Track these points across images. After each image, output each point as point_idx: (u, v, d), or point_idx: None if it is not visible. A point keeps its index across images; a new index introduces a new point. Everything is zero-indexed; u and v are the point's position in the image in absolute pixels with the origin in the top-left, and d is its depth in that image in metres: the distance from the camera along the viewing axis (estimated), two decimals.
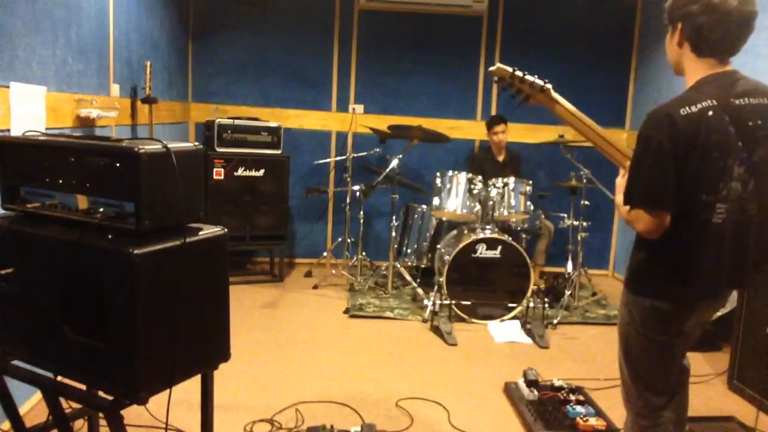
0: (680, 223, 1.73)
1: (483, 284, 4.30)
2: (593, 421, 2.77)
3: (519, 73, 2.00)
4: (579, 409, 2.86)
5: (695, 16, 1.72)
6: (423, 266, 4.96)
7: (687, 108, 1.68)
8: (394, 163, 4.68)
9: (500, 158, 5.15)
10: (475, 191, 4.49)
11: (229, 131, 4.83)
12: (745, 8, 1.69)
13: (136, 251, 1.53)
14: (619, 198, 1.86)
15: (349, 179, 5.09)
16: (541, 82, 2.01)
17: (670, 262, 1.80)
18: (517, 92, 2.04)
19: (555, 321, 4.28)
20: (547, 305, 4.30)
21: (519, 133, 5.40)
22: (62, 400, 1.86)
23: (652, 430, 1.94)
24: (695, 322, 1.92)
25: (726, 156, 1.70)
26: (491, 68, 2.03)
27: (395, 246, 4.86)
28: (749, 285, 1.91)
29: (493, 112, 5.43)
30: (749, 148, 1.73)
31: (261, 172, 4.89)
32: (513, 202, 4.48)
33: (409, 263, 4.96)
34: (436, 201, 4.55)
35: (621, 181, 1.90)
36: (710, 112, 1.68)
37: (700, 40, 1.75)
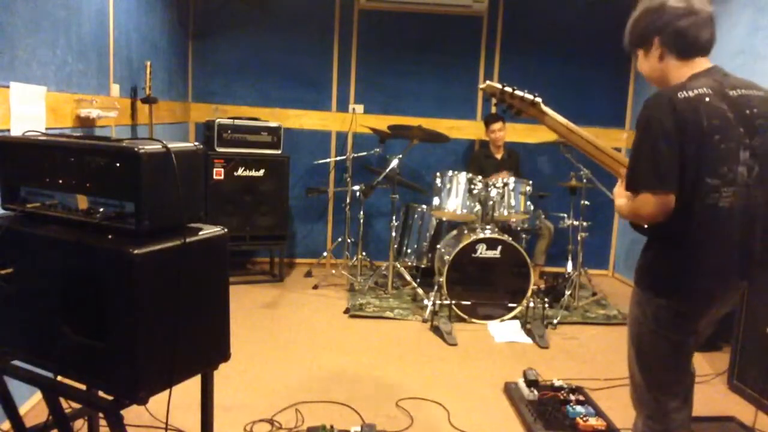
0: (688, 210, 1.74)
1: (483, 284, 4.30)
2: (593, 421, 2.77)
3: (508, 89, 2.04)
4: (579, 409, 2.86)
5: (675, 21, 1.81)
6: (423, 266, 4.96)
7: (684, 92, 1.73)
8: (394, 163, 4.68)
9: (498, 156, 5.17)
10: (475, 191, 4.49)
11: (229, 131, 4.83)
12: (705, 8, 1.83)
13: (136, 251, 1.53)
14: (619, 201, 1.87)
15: (349, 179, 5.09)
16: (530, 96, 2.05)
17: (682, 253, 1.79)
18: (508, 107, 2.09)
19: (555, 321, 4.28)
20: (547, 305, 4.30)
21: (519, 133, 5.41)
22: (62, 400, 1.86)
23: None
24: (708, 320, 1.92)
25: (728, 140, 1.73)
26: (481, 86, 2.10)
27: (395, 246, 4.86)
28: (756, 278, 1.91)
29: (493, 111, 5.43)
30: (750, 134, 1.76)
31: (261, 172, 4.88)
32: (513, 202, 4.49)
33: (409, 263, 4.96)
34: (436, 201, 4.55)
35: (619, 189, 1.91)
36: (707, 98, 1.73)
37: (686, 43, 1.82)
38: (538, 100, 2.06)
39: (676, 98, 1.71)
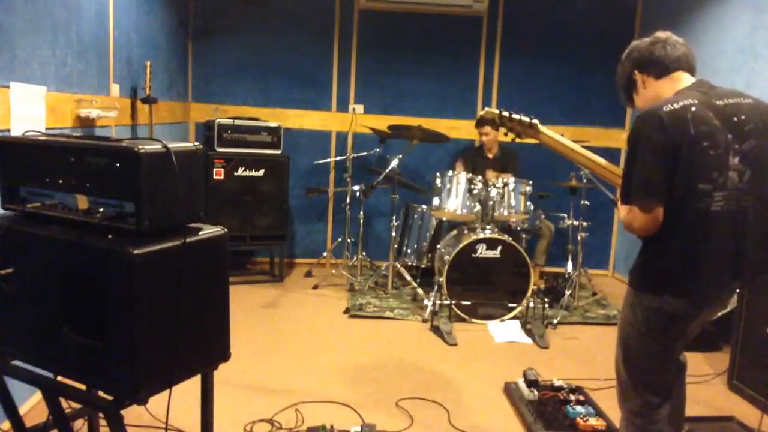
0: (681, 215, 1.78)
1: (483, 284, 4.30)
2: (593, 421, 2.77)
3: (506, 114, 2.15)
4: (579, 409, 2.86)
5: (645, 51, 1.96)
6: (423, 266, 4.95)
7: (670, 105, 1.80)
8: (394, 163, 4.68)
9: (490, 155, 5.18)
10: (475, 191, 4.49)
11: (229, 131, 4.83)
12: (672, 36, 1.97)
13: (136, 251, 1.53)
14: (621, 214, 1.92)
15: (349, 179, 5.09)
16: (527, 119, 2.15)
17: (676, 256, 1.83)
18: (509, 131, 2.21)
19: (555, 321, 4.28)
20: (547, 305, 4.30)
21: None
22: (62, 400, 1.86)
23: (648, 428, 1.97)
24: (699, 323, 1.95)
25: (717, 146, 1.78)
26: (481, 112, 2.22)
27: (395, 246, 4.86)
28: (752, 280, 1.96)
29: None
30: (739, 140, 1.81)
31: (261, 172, 4.88)
32: (513, 202, 4.48)
33: (409, 263, 4.96)
34: (436, 201, 4.55)
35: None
36: (693, 108, 1.79)
37: (658, 62, 1.94)
38: (536, 121, 2.16)
39: (663, 112, 1.77)
